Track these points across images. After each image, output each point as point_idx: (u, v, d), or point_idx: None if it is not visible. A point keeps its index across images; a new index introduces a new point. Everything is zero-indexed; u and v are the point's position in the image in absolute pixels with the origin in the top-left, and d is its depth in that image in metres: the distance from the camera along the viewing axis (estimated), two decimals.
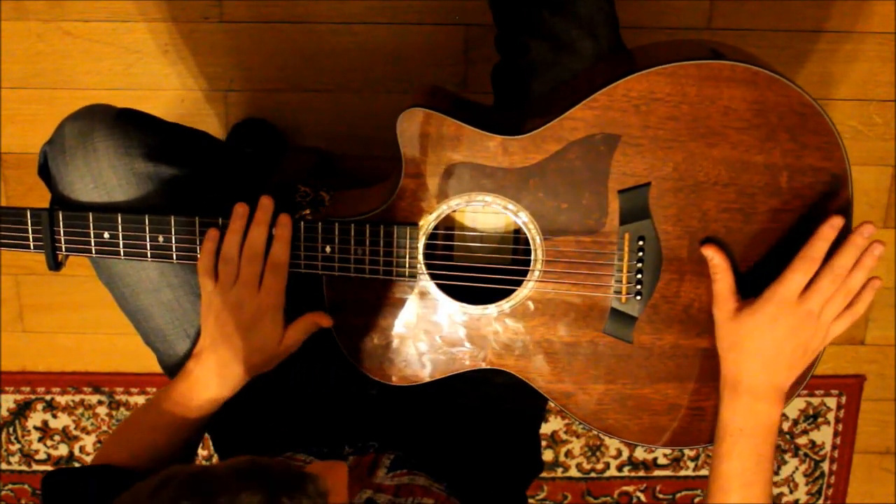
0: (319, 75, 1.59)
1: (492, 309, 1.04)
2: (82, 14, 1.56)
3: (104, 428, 1.81)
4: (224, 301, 1.00)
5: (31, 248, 1.04)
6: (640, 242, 1.00)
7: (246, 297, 1.00)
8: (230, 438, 1.15)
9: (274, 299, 1.01)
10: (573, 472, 1.84)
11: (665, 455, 1.83)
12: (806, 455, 1.85)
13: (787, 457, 1.84)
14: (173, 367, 1.11)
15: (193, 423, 1.04)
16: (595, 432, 1.18)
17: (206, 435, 1.14)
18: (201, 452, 1.77)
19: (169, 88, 1.60)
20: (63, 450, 1.83)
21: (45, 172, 1.06)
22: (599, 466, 1.84)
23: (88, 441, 1.82)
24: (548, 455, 1.82)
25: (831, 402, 1.81)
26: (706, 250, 0.99)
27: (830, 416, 1.82)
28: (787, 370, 0.97)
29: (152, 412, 1.04)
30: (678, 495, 1.86)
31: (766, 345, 0.96)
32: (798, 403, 1.81)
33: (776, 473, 1.86)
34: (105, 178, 1.02)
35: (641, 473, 1.84)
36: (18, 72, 1.59)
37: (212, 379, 1.02)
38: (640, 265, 1.01)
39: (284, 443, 1.08)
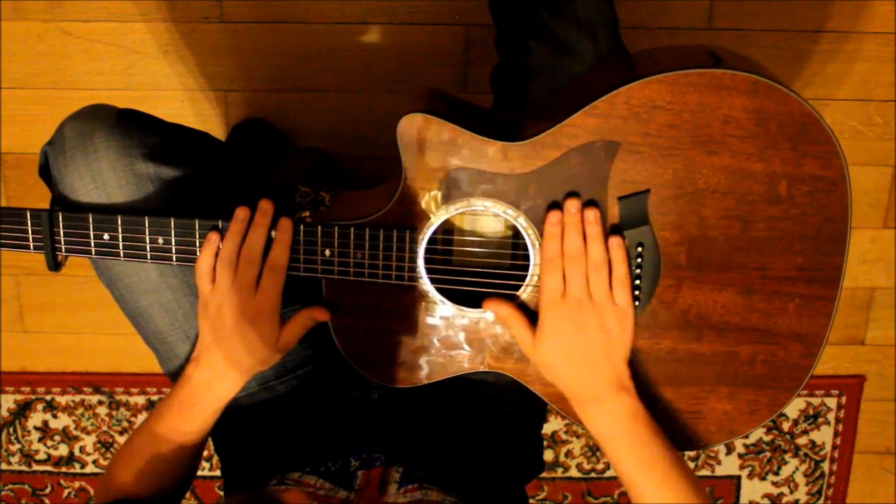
0: (319, 75, 1.59)
1: (490, 312, 1.04)
2: (82, 14, 1.56)
3: (104, 428, 1.81)
4: (220, 304, 1.00)
5: (31, 248, 1.03)
6: (639, 249, 1.00)
7: (242, 300, 1.00)
8: (234, 446, 1.15)
9: (270, 301, 1.01)
10: (573, 472, 1.84)
11: None
12: (806, 455, 1.85)
13: (787, 457, 1.85)
14: (174, 369, 1.11)
15: (197, 429, 1.04)
16: None
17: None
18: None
19: (169, 88, 1.60)
20: (63, 450, 1.83)
21: (45, 173, 1.06)
22: (599, 466, 1.84)
23: (88, 441, 1.82)
24: (548, 455, 1.82)
25: (831, 402, 1.81)
26: (488, 307, 1.01)
27: (830, 416, 1.82)
28: (606, 360, 0.97)
29: (155, 424, 1.04)
30: None
31: (570, 350, 0.97)
32: (798, 403, 1.81)
33: (776, 473, 1.86)
34: (105, 178, 1.01)
35: None
36: (18, 72, 1.59)
37: (212, 381, 1.02)
38: (638, 271, 1.01)
39: (289, 452, 1.08)
